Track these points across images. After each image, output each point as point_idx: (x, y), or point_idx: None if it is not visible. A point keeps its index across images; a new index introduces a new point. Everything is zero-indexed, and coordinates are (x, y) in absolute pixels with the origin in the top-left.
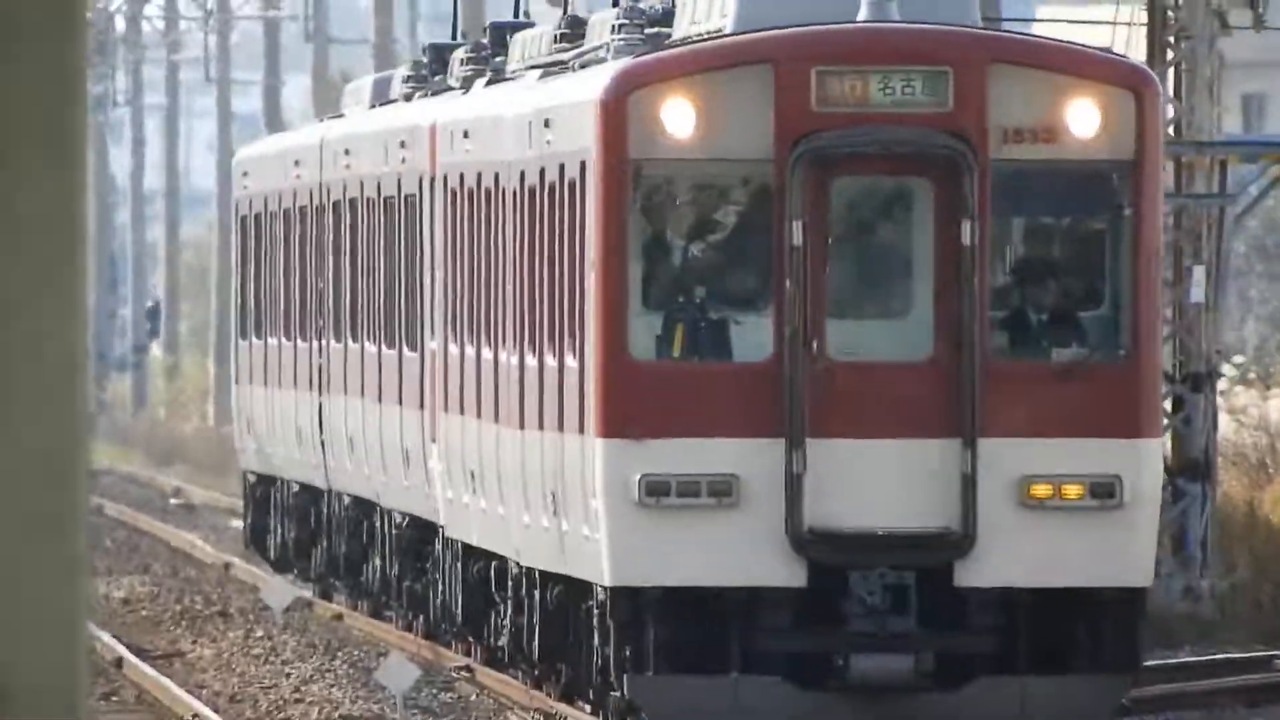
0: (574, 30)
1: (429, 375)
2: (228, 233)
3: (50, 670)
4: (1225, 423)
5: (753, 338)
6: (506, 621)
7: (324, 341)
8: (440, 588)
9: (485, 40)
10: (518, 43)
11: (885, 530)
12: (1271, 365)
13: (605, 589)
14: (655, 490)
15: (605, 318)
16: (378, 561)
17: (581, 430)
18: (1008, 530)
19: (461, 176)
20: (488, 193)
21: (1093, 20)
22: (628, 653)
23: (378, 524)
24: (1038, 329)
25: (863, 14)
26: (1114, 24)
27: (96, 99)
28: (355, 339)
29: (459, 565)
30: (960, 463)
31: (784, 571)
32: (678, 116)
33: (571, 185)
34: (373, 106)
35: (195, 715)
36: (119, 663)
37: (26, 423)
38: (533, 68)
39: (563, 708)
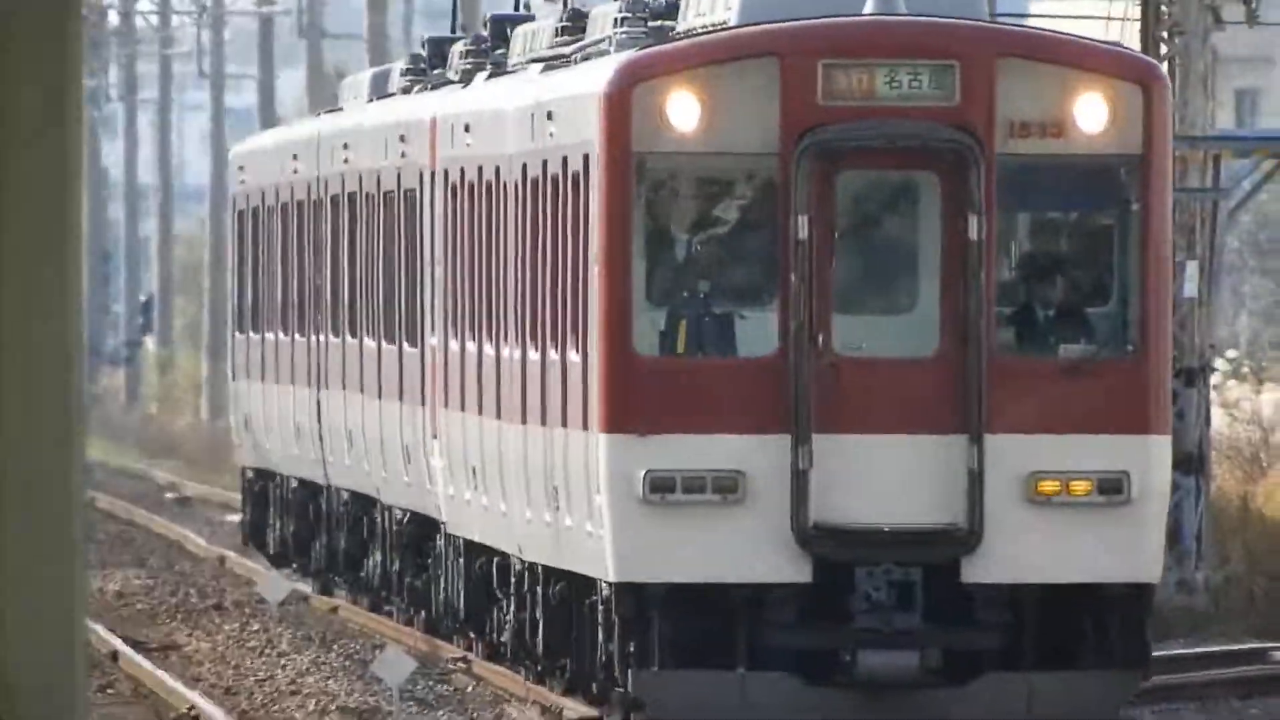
0: (576, 23)
1: (429, 371)
2: (221, 228)
3: (49, 665)
4: (1219, 417)
5: (758, 333)
6: (509, 617)
7: (323, 337)
8: (442, 584)
9: (485, 34)
10: (518, 36)
11: (891, 526)
12: (1264, 359)
13: (610, 585)
14: (660, 486)
15: (609, 313)
16: (378, 557)
17: (585, 426)
18: (1014, 526)
19: (462, 170)
20: (489, 187)
21: (1086, 15)
22: (632, 648)
23: (378, 520)
24: (1045, 325)
25: (869, 7)
26: (1107, 19)
27: (90, 93)
28: (354, 334)
29: (460, 561)
30: (967, 459)
31: (789, 568)
32: (682, 109)
33: (575, 179)
34: (371, 100)
35: (191, 708)
36: (114, 656)
37: (22, 416)
38: (534, 61)
39: (558, 699)
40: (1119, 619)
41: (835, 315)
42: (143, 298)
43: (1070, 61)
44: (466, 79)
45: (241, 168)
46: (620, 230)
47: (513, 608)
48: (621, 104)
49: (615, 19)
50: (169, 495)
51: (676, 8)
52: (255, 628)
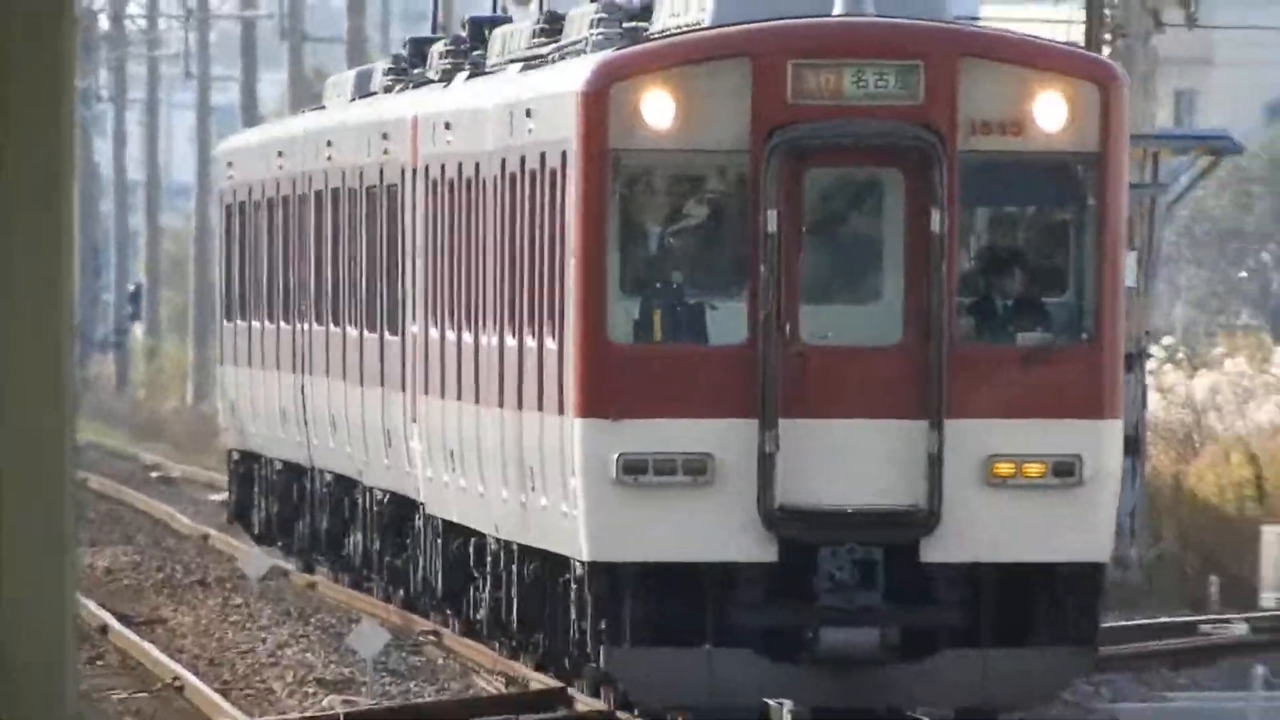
0: (553, 25)
1: (410, 358)
2: (206, 222)
3: (42, 640)
4: (1154, 401)
5: (728, 322)
6: (485, 595)
7: (308, 325)
8: (420, 562)
9: (464, 35)
10: (497, 37)
11: (854, 508)
12: (1198, 346)
13: (583, 564)
14: (632, 469)
15: (585, 302)
16: (358, 537)
17: (561, 411)
18: (972, 508)
19: (443, 167)
20: (469, 182)
21: (1033, 19)
22: (604, 625)
23: (359, 501)
24: (1004, 315)
25: (838, 8)
26: (1053, 22)
27: (82, 94)
28: (338, 323)
29: (438, 541)
30: (927, 443)
31: (756, 548)
32: (657, 108)
33: (552, 174)
34: (354, 99)
35: (176, 678)
36: (104, 629)
37: (16, 401)
38: (513, 61)
39: (525, 671)
40: (1072, 597)
41: (803, 306)
42: (131, 288)
43: (1030, 62)
44: (447, 78)
45: (230, 163)
46: (596, 223)
47: (488, 586)
48: (599, 102)
49: (591, 20)
50: (154, 475)
51: (650, 9)
52: (237, 602)
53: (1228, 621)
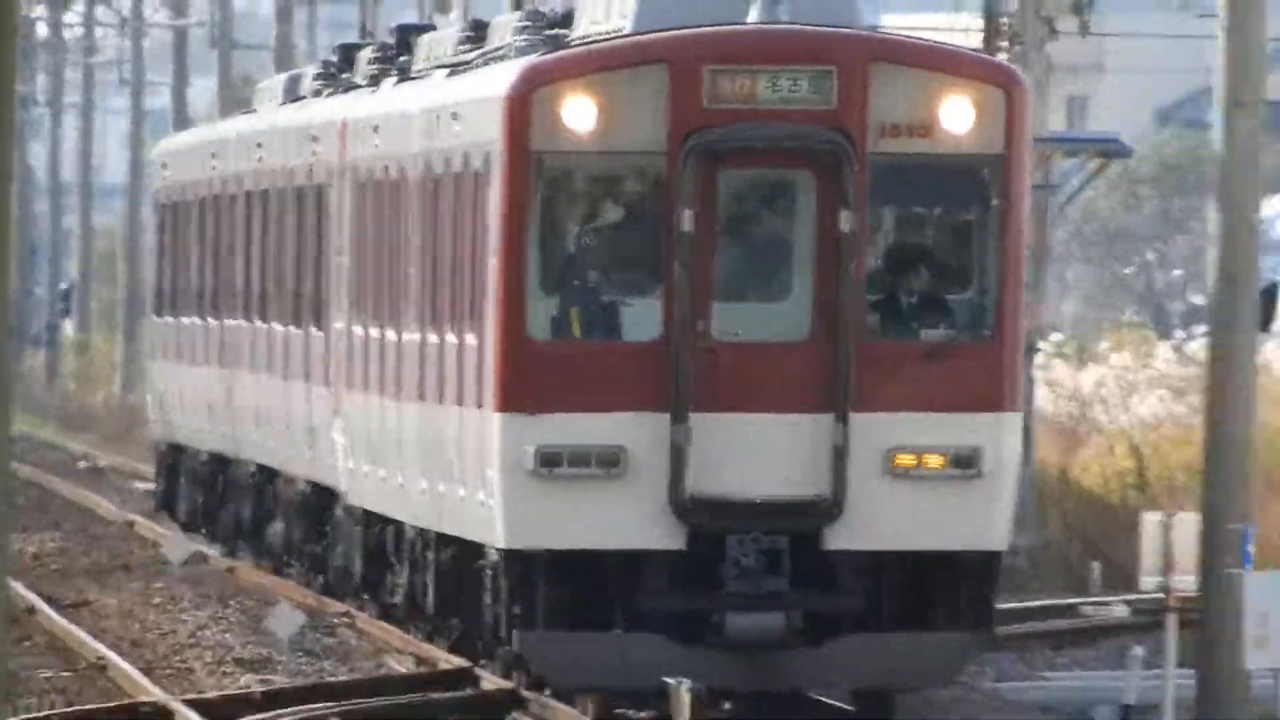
0: (477, 32)
1: (334, 354)
2: (137, 223)
3: None
4: (1043, 394)
5: (643, 319)
6: (402, 581)
7: (235, 321)
8: (339, 549)
9: (391, 41)
10: (423, 44)
11: (761, 498)
12: (1086, 341)
13: (499, 551)
14: (548, 461)
15: (505, 300)
16: (280, 525)
17: (480, 405)
18: (874, 498)
19: (370, 169)
20: (395, 184)
21: (932, 26)
22: (518, 610)
23: (281, 491)
24: (909, 312)
25: (753, 16)
26: (952, 30)
27: (20, 99)
28: (265, 319)
29: (358, 529)
30: (832, 436)
31: (666, 536)
32: (578, 112)
33: (476, 176)
34: (284, 103)
35: (100, 658)
36: (31, 611)
37: None
38: (439, 67)
39: (433, 651)
40: (970, 584)
41: (715, 303)
42: (63, 285)
43: (938, 67)
44: (375, 83)
45: (164, 164)
46: (517, 223)
47: (406, 572)
48: (522, 106)
49: (514, 27)
50: (82, 465)
51: (571, 17)
52: (159, 586)
53: (1108, 604)
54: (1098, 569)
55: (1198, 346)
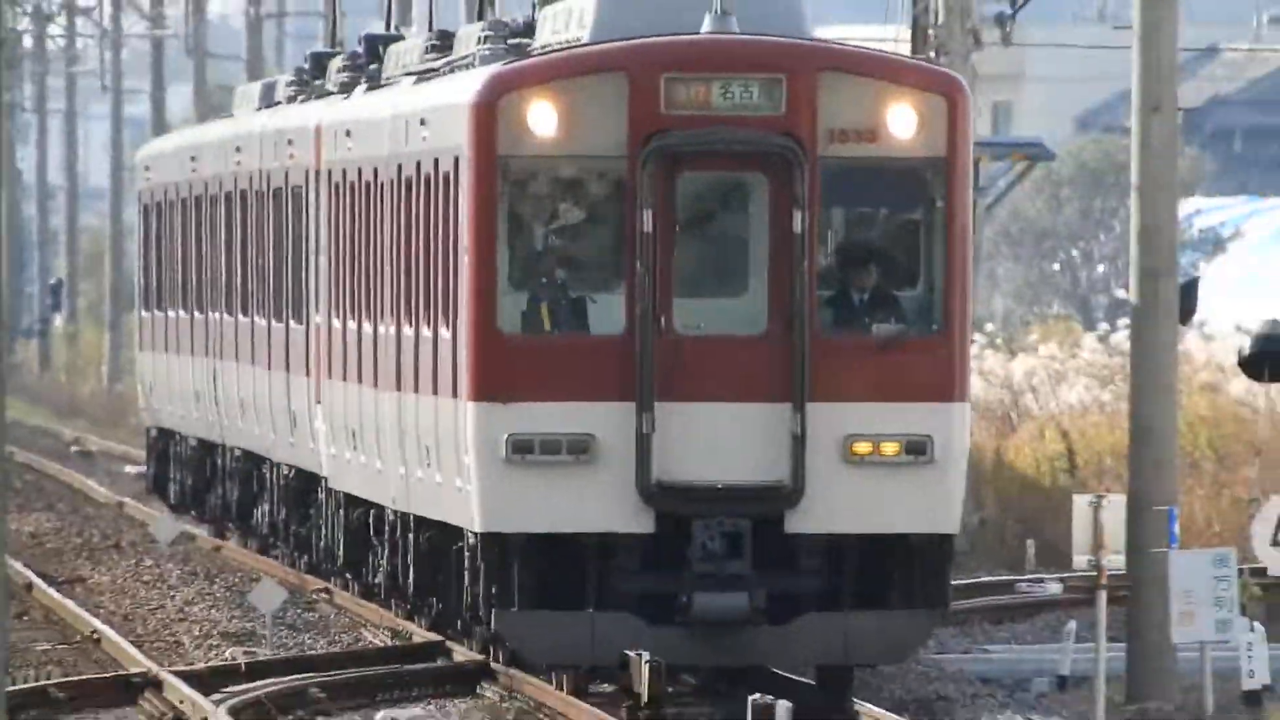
0: (443, 41)
1: (314, 346)
2: (120, 222)
3: None
4: (976, 382)
5: (608, 314)
6: (383, 562)
7: (219, 315)
8: (323, 531)
9: (361, 50)
10: (392, 53)
11: (724, 484)
12: (1015, 333)
13: (475, 534)
14: (521, 448)
15: (476, 295)
16: (266, 508)
17: (455, 394)
18: (832, 483)
19: (344, 171)
20: (368, 186)
21: (864, 38)
22: (494, 590)
23: (267, 475)
24: (860, 307)
25: (706, 26)
26: (882, 40)
27: (8, 107)
28: (247, 313)
29: (340, 512)
30: (790, 424)
31: (634, 520)
32: (542, 117)
33: (445, 178)
34: (260, 108)
35: (94, 631)
36: (29, 587)
37: None
38: (408, 75)
39: (410, 625)
40: (924, 564)
41: (676, 299)
42: (52, 281)
43: (884, 75)
44: (347, 90)
45: (147, 167)
46: (486, 223)
47: (386, 553)
48: (489, 112)
49: (479, 37)
50: (74, 449)
51: (533, 27)
52: (149, 564)
53: (1042, 581)
54: (1032, 548)
55: (1122, 337)
